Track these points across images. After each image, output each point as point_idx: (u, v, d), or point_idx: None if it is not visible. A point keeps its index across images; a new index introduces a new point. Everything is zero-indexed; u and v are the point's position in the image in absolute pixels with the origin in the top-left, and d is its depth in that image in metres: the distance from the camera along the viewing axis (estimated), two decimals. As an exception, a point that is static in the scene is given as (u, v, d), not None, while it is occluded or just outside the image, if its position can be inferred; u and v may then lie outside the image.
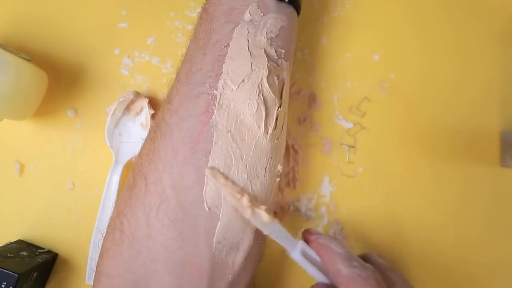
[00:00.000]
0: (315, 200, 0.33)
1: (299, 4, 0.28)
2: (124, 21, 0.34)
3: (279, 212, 0.33)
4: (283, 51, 0.26)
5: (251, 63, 0.24)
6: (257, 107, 0.23)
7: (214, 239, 0.22)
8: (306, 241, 0.25)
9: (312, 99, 0.34)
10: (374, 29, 0.36)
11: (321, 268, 0.24)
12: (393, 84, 0.35)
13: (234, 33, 0.25)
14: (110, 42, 0.34)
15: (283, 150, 0.27)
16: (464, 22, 0.36)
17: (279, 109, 0.24)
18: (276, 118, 0.24)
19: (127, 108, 0.32)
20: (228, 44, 0.24)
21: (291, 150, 0.33)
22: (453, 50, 0.36)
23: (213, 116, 0.23)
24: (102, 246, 0.24)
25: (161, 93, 0.33)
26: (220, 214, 0.22)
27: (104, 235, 0.25)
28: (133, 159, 0.32)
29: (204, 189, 0.22)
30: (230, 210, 0.23)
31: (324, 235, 0.25)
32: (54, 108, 0.33)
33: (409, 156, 0.34)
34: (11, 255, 0.28)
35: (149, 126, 0.31)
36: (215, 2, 0.26)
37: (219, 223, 0.22)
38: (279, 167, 0.26)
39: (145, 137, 0.27)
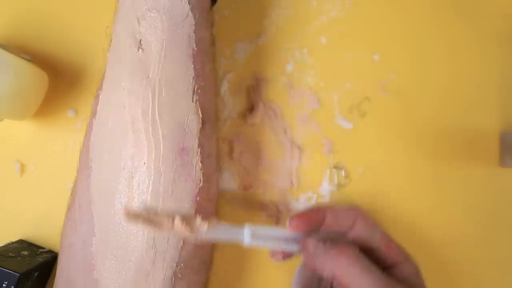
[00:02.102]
0: (315, 200, 0.33)
1: None
2: (124, 21, 0.34)
3: (279, 212, 0.33)
4: (151, 33, 0.23)
5: (120, 57, 0.23)
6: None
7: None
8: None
9: (312, 99, 0.34)
10: (374, 29, 0.36)
11: (276, 238, 0.23)
12: (393, 84, 0.35)
13: (114, 29, 0.25)
14: (110, 42, 0.34)
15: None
16: (464, 22, 0.36)
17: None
18: None
19: None
20: (110, 43, 0.25)
21: (291, 150, 0.33)
22: (452, 50, 0.36)
23: (95, 120, 0.24)
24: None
25: (161, 93, 0.33)
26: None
27: None
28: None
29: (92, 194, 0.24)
30: None
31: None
32: (54, 108, 0.33)
33: (409, 156, 0.34)
34: (12, 255, 0.29)
35: None
36: None
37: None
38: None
39: None
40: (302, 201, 0.33)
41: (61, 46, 0.33)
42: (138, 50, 0.22)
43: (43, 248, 0.31)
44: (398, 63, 0.35)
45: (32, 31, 0.33)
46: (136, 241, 0.22)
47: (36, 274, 0.28)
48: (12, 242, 0.31)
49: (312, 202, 0.33)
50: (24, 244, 0.31)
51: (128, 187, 0.22)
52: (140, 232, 0.22)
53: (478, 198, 0.34)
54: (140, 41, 0.23)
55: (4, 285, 0.26)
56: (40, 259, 0.29)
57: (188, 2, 0.23)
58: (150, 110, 0.22)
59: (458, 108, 0.35)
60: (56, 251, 0.31)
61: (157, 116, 0.22)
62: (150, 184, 0.22)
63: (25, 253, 0.29)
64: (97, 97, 0.25)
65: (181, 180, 0.23)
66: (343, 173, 0.34)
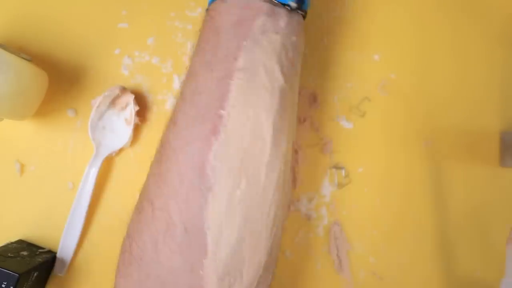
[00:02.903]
0: (315, 200, 0.33)
1: (307, 10, 0.26)
2: (124, 21, 0.34)
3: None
4: (291, 70, 0.24)
5: (265, 84, 0.23)
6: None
7: (221, 269, 0.22)
8: None
9: (312, 99, 0.34)
10: (374, 29, 0.36)
11: None
12: (393, 84, 0.35)
13: (244, 48, 0.23)
14: (110, 42, 0.34)
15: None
16: (464, 22, 0.36)
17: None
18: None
19: (113, 103, 0.32)
20: (236, 59, 0.23)
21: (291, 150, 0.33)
22: (452, 51, 0.36)
23: (219, 139, 0.22)
24: (117, 265, 0.25)
25: (161, 93, 0.33)
26: (226, 240, 0.22)
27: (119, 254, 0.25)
28: (113, 154, 0.32)
29: (208, 214, 0.22)
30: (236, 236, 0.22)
31: None
32: (54, 108, 0.33)
33: (409, 156, 0.34)
34: (12, 255, 0.28)
35: (133, 122, 0.32)
36: (223, 10, 0.24)
37: (224, 250, 0.22)
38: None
39: (129, 133, 0.31)
40: (303, 201, 0.33)
41: (61, 46, 0.33)
42: (286, 82, 0.24)
43: (42, 248, 0.31)
44: (398, 63, 0.35)
45: (32, 31, 0.33)
46: (258, 255, 0.22)
47: (35, 274, 0.28)
48: (12, 242, 0.31)
49: (313, 202, 0.33)
50: (23, 244, 0.31)
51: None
52: (264, 244, 0.23)
53: (478, 198, 0.34)
54: (284, 73, 0.24)
55: (3, 285, 0.26)
56: (40, 259, 0.29)
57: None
58: (285, 133, 0.24)
59: (458, 108, 0.35)
60: (55, 251, 0.31)
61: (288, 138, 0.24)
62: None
63: (25, 253, 0.29)
64: (209, 112, 0.23)
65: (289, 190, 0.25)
66: (343, 173, 0.34)
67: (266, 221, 0.23)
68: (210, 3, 0.26)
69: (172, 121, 0.24)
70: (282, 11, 0.24)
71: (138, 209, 0.24)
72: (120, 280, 0.24)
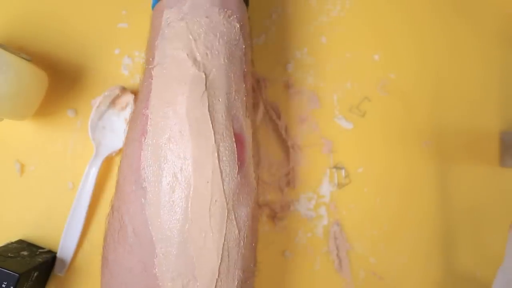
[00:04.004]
0: (315, 200, 0.33)
1: None
2: (124, 21, 0.34)
3: (279, 212, 0.33)
4: (208, 54, 0.23)
5: (175, 75, 0.23)
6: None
7: (171, 268, 0.22)
8: None
9: (312, 99, 0.34)
10: (374, 29, 0.36)
11: None
12: (393, 84, 0.35)
13: (156, 46, 0.23)
14: (110, 42, 0.34)
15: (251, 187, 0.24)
16: (463, 22, 0.36)
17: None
18: None
19: (113, 103, 0.32)
20: (154, 58, 0.23)
21: (291, 150, 0.33)
22: (452, 51, 0.36)
23: (145, 140, 0.22)
24: None
25: (161, 93, 0.33)
26: (170, 239, 0.22)
27: None
28: (113, 154, 0.32)
29: (149, 215, 0.22)
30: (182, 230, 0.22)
31: None
32: (54, 108, 0.33)
33: (409, 156, 0.34)
34: (12, 255, 0.28)
35: None
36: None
37: (170, 249, 0.22)
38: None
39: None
40: (302, 201, 0.33)
41: (61, 46, 0.33)
42: (198, 69, 0.23)
43: (42, 248, 0.31)
44: (398, 63, 0.35)
45: (32, 31, 0.33)
46: (207, 256, 0.22)
47: (35, 274, 0.28)
48: (12, 242, 0.31)
49: (312, 202, 0.33)
50: (23, 244, 0.31)
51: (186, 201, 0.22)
52: (212, 245, 0.22)
53: (478, 198, 0.34)
54: (196, 59, 0.23)
55: (3, 285, 0.26)
56: (40, 259, 0.29)
57: (240, 28, 0.24)
58: (209, 123, 0.22)
59: (458, 108, 0.35)
60: (55, 251, 0.31)
61: (215, 127, 0.23)
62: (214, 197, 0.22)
63: (25, 253, 0.29)
64: (139, 113, 0.24)
65: (244, 189, 0.23)
66: (343, 173, 0.34)
67: (209, 222, 0.22)
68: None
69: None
70: None
71: (108, 213, 0.25)
72: (101, 280, 0.25)
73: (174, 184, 0.22)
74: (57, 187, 0.32)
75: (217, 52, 0.23)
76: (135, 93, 0.32)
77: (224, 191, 0.22)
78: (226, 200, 0.22)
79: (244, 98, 0.25)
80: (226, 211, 0.22)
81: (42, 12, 0.34)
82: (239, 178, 0.23)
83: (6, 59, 0.28)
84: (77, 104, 0.33)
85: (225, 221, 0.22)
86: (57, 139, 0.32)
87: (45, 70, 0.32)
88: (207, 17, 0.23)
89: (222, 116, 0.23)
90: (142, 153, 0.23)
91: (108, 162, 0.32)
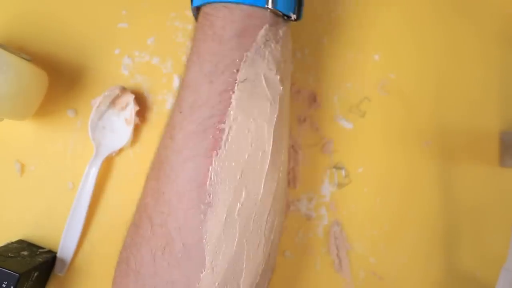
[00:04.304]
0: (315, 200, 0.33)
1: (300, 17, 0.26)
2: (124, 21, 0.34)
3: (279, 212, 0.33)
4: (285, 76, 0.24)
5: (266, 94, 0.22)
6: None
7: (218, 281, 0.22)
8: None
9: (312, 99, 0.34)
10: (374, 29, 0.36)
11: None
12: (393, 84, 0.35)
13: (246, 59, 0.22)
14: (110, 42, 0.34)
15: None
16: (464, 22, 0.36)
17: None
18: None
19: (113, 103, 0.32)
20: (239, 70, 0.22)
21: (291, 150, 0.33)
22: (452, 51, 0.36)
23: (218, 155, 0.21)
24: (114, 275, 0.25)
25: (161, 93, 0.33)
26: (224, 253, 0.22)
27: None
28: (113, 154, 0.32)
29: (206, 230, 0.22)
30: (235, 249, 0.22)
31: None
32: (54, 108, 0.33)
33: (409, 156, 0.34)
34: (12, 255, 0.28)
35: (133, 122, 0.32)
36: (225, 17, 0.23)
37: (222, 262, 0.22)
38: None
39: (129, 133, 0.31)
40: (303, 201, 0.33)
41: (61, 46, 0.33)
42: (285, 91, 0.24)
43: (43, 248, 0.31)
44: (398, 63, 0.35)
45: (32, 31, 0.33)
46: (255, 263, 0.22)
47: (36, 274, 0.28)
48: (12, 242, 0.31)
49: (313, 202, 0.33)
50: (24, 244, 0.31)
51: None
52: (261, 253, 0.22)
53: (478, 198, 0.34)
54: (283, 83, 0.24)
55: (4, 285, 0.26)
56: (40, 259, 0.29)
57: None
58: (283, 141, 0.23)
59: (458, 108, 0.35)
60: (55, 251, 0.31)
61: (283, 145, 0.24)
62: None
63: (25, 253, 0.29)
64: (209, 126, 0.22)
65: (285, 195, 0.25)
66: (343, 173, 0.34)
67: (263, 230, 0.22)
68: (202, 3, 0.24)
69: (169, 135, 0.24)
70: (281, 20, 0.24)
71: (136, 223, 0.24)
72: None
73: (243, 199, 0.22)
74: (57, 187, 0.32)
75: (289, 77, 0.25)
76: (134, 93, 0.32)
77: (277, 201, 0.23)
78: (277, 208, 0.23)
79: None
80: (276, 220, 0.23)
81: (42, 12, 0.34)
82: (285, 188, 0.25)
83: (6, 59, 0.28)
84: (77, 104, 0.33)
85: (274, 227, 0.23)
86: (57, 139, 0.32)
87: (45, 70, 0.32)
88: (291, 45, 0.25)
89: (287, 134, 0.25)
90: (211, 168, 0.21)
91: (108, 162, 0.32)
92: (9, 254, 0.28)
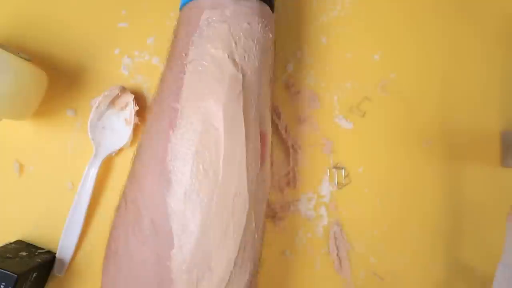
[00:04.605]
0: (315, 200, 0.33)
1: None
2: (124, 21, 0.34)
3: (279, 212, 0.33)
4: (245, 57, 0.24)
5: (213, 73, 0.23)
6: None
7: (187, 260, 0.22)
8: None
9: (312, 99, 0.34)
10: (374, 29, 0.36)
11: None
12: (393, 84, 0.35)
13: (192, 42, 0.24)
14: (110, 42, 0.34)
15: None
16: (464, 22, 0.36)
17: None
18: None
19: (112, 103, 0.32)
20: (187, 54, 0.24)
21: (291, 150, 0.33)
22: (452, 50, 0.36)
23: (174, 133, 0.23)
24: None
25: (161, 93, 0.33)
26: (190, 231, 0.22)
27: None
28: (113, 154, 0.32)
29: (171, 207, 0.22)
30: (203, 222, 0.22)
31: None
32: (54, 108, 0.33)
33: (409, 156, 0.34)
34: (11, 256, 0.28)
35: (133, 122, 0.32)
36: (178, 17, 0.27)
37: (188, 241, 0.22)
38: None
39: (129, 133, 0.31)
40: (302, 201, 0.33)
41: (61, 46, 0.33)
42: (237, 70, 0.24)
43: (41, 248, 0.31)
44: (398, 63, 0.35)
45: (32, 31, 0.33)
46: (226, 248, 0.22)
47: (34, 275, 0.28)
48: (11, 243, 0.30)
49: (312, 202, 0.33)
50: (22, 245, 0.31)
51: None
52: (231, 237, 0.22)
53: (479, 198, 0.34)
54: (235, 60, 0.24)
55: (2, 286, 0.26)
56: (39, 260, 0.29)
57: (271, 37, 0.26)
58: (242, 120, 0.23)
59: (459, 108, 0.35)
60: (54, 251, 0.31)
61: (246, 125, 0.24)
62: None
63: (24, 253, 0.29)
64: (167, 106, 0.24)
65: (262, 185, 0.25)
66: (343, 173, 0.34)
67: (231, 214, 0.23)
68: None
69: (145, 122, 0.26)
70: (227, 1, 0.25)
71: (116, 206, 0.25)
72: (103, 276, 0.25)
73: (201, 177, 0.22)
74: (56, 187, 0.32)
75: (253, 57, 0.25)
76: (134, 93, 0.32)
77: (247, 185, 0.23)
78: (248, 194, 0.23)
79: (269, 102, 0.26)
80: (248, 204, 0.23)
81: (42, 12, 0.34)
82: (259, 175, 0.24)
83: (6, 59, 0.28)
84: (77, 104, 0.33)
85: (246, 214, 0.23)
86: (56, 139, 0.32)
87: (45, 70, 0.32)
88: (248, 23, 0.25)
89: (252, 116, 0.24)
90: (169, 145, 0.23)
91: (108, 162, 0.32)
92: (8, 255, 0.28)
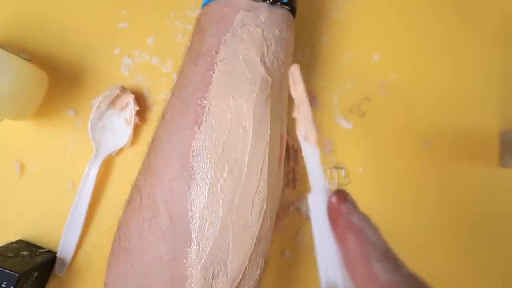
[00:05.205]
0: (315, 200, 0.33)
1: (295, 5, 0.27)
2: (124, 21, 0.34)
3: (279, 212, 0.33)
4: (274, 62, 0.25)
5: (245, 74, 0.24)
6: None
7: (204, 258, 0.22)
8: (332, 211, 0.20)
9: (312, 99, 0.34)
10: (374, 29, 0.36)
11: (334, 236, 0.19)
12: (393, 84, 0.35)
13: (224, 42, 0.24)
14: (110, 42, 0.34)
15: (279, 157, 0.26)
16: (464, 22, 0.36)
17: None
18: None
19: (113, 103, 0.32)
20: (217, 52, 0.24)
21: (291, 150, 0.33)
22: (452, 50, 0.36)
23: (200, 129, 0.23)
24: (108, 258, 0.25)
25: (161, 93, 0.33)
26: (209, 229, 0.22)
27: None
28: (113, 154, 0.32)
29: (191, 203, 0.22)
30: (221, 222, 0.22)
31: (359, 213, 0.20)
32: (54, 108, 0.33)
33: (408, 156, 0.34)
34: (12, 255, 0.28)
35: (133, 122, 0.32)
36: (206, 12, 0.26)
37: (207, 238, 0.22)
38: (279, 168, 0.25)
39: (129, 133, 0.31)
40: (303, 201, 0.33)
41: (61, 46, 0.33)
42: (267, 73, 0.24)
43: (42, 248, 0.31)
44: (398, 63, 0.35)
45: (32, 31, 0.33)
46: (243, 244, 0.22)
47: (35, 274, 0.28)
48: (12, 242, 0.31)
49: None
50: (23, 244, 0.31)
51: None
52: (249, 234, 0.23)
53: (478, 198, 0.34)
54: (266, 64, 0.25)
55: (3, 285, 0.26)
56: (40, 259, 0.29)
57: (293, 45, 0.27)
58: (268, 122, 0.24)
59: (458, 108, 0.35)
60: (55, 251, 0.31)
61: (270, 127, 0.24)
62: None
63: (25, 253, 0.29)
64: (192, 102, 0.24)
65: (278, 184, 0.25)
66: (343, 173, 0.34)
67: (250, 211, 0.23)
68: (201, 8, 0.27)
69: (162, 115, 0.26)
70: (262, 6, 0.26)
71: (128, 200, 0.25)
72: (108, 272, 0.24)
73: (226, 174, 0.22)
74: (57, 187, 0.32)
75: (280, 62, 0.26)
76: (135, 93, 0.32)
77: (267, 184, 0.23)
78: (267, 191, 0.23)
79: (287, 106, 0.27)
80: (266, 202, 0.23)
81: (42, 12, 0.34)
82: (276, 174, 0.25)
83: (6, 59, 0.28)
84: (77, 104, 0.33)
85: (263, 211, 0.23)
86: (57, 139, 0.32)
87: (45, 70, 0.32)
88: (279, 31, 0.26)
89: (275, 118, 0.25)
90: (194, 141, 0.23)
91: (108, 162, 0.32)
92: (9, 254, 0.28)
